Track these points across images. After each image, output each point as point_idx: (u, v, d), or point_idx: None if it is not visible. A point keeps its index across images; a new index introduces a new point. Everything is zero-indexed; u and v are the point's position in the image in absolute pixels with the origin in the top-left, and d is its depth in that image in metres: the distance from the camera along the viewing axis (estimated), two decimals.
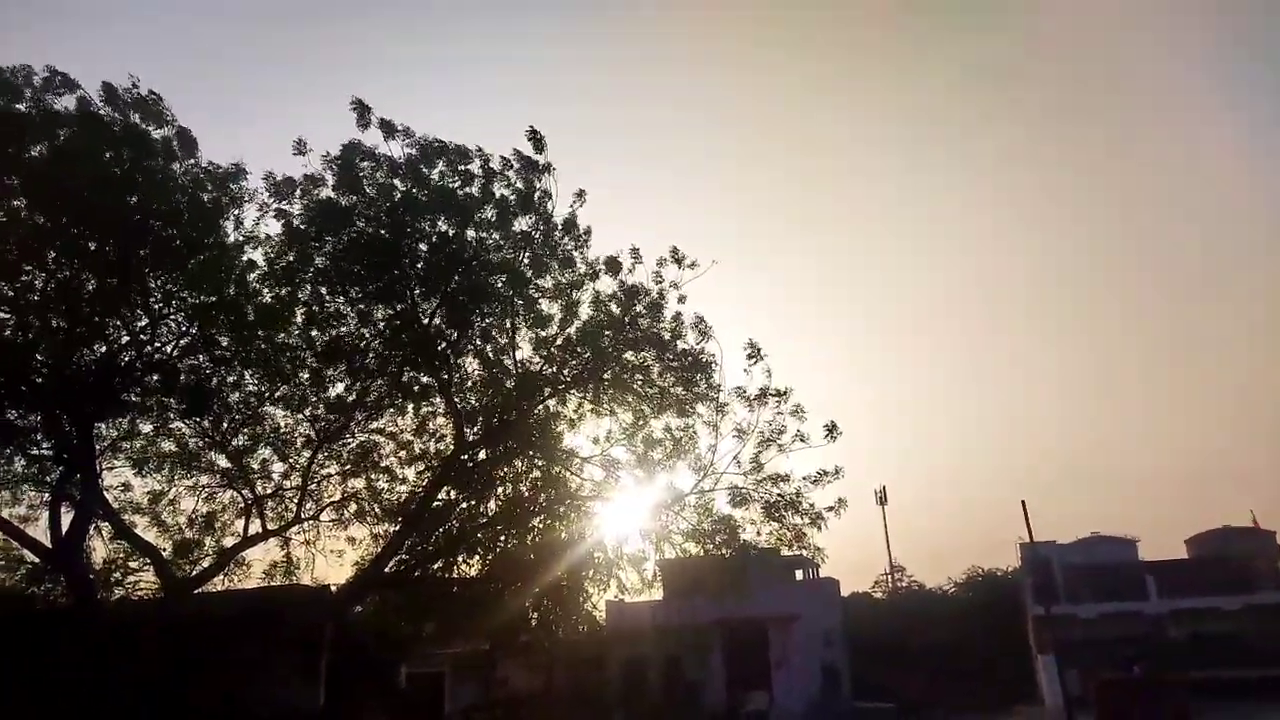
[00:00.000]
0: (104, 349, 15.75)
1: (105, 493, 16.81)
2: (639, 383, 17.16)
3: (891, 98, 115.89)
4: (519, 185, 16.44)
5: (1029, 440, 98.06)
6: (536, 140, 16.19)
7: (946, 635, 41.28)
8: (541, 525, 18.21)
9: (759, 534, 16.43)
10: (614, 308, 16.92)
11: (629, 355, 17.10)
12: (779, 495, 16.19)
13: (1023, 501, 34.34)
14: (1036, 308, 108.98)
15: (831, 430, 15.74)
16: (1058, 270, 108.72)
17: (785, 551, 17.31)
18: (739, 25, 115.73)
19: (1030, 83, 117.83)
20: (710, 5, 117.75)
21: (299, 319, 16.24)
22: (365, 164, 15.57)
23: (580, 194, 16.79)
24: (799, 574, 38.55)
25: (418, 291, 16.37)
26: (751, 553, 17.10)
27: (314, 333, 16.39)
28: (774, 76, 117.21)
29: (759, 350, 16.22)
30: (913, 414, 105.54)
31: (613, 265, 16.78)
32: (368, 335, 16.66)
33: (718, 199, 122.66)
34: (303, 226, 15.52)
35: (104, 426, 16.77)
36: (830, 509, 16.03)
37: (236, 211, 16.05)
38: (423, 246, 16.00)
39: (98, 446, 16.53)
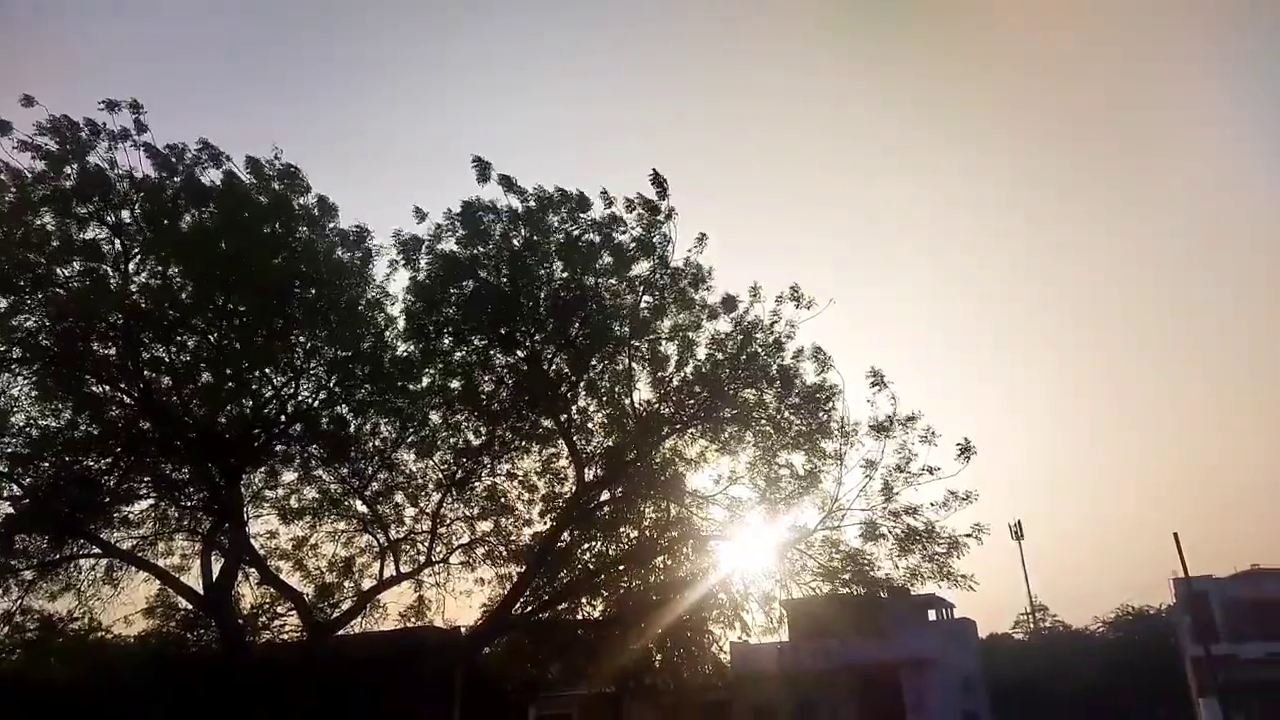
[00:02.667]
0: (250, 403, 16.70)
1: (252, 540, 17.61)
2: (759, 420, 16.92)
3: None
4: (638, 230, 16.56)
5: (1179, 467, 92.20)
6: (660, 184, 16.22)
7: (1096, 679, 38.85)
8: (664, 566, 18.12)
9: (895, 568, 15.77)
10: (731, 346, 16.80)
11: (748, 393, 16.91)
12: (910, 527, 15.58)
13: (1175, 534, 32.42)
14: (1185, 322, 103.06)
15: (966, 450, 14.87)
16: (1204, 283, 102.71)
17: (924, 588, 16.46)
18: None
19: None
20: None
21: (431, 370, 16.92)
22: (486, 217, 16.16)
23: (702, 237, 16.68)
24: (931, 614, 37.00)
25: (538, 338, 16.76)
26: (881, 593, 16.45)
27: (443, 381, 16.99)
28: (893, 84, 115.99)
29: (882, 378, 15.61)
30: (1047, 442, 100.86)
31: (729, 304, 16.69)
32: (492, 382, 17.12)
33: (837, 215, 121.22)
34: (429, 280, 16.22)
35: (251, 476, 17.67)
36: (968, 535, 15.30)
37: (368, 270, 17.01)
38: (542, 294, 16.41)
39: (245, 495, 17.41)
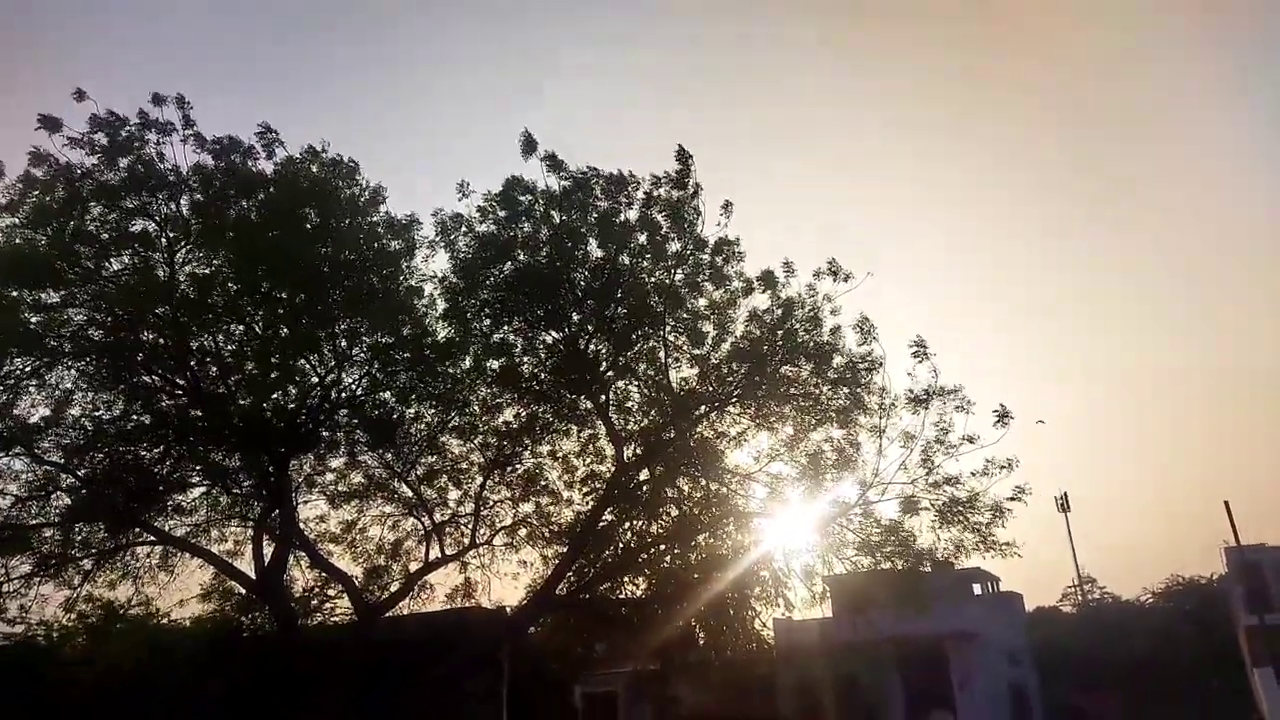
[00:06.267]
0: (295, 391, 16.97)
1: (302, 525, 17.96)
2: (798, 396, 16.88)
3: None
4: (669, 207, 16.56)
5: (1229, 435, 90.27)
6: (684, 159, 16.27)
7: (1146, 650, 38.29)
8: (705, 544, 18.17)
9: (937, 539, 15.65)
10: (769, 321, 16.75)
11: (786, 369, 16.87)
12: (952, 497, 15.45)
13: (1226, 502, 31.77)
14: (1231, 289, 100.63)
15: (1003, 416, 14.62)
16: (1249, 248, 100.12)
17: (968, 562, 16.31)
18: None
19: None
20: None
21: (472, 351, 17.14)
22: (525, 197, 16.26)
23: (727, 205, 16.65)
24: (976, 588, 36.78)
25: (577, 317, 16.86)
26: (924, 566, 16.33)
27: (485, 363, 17.20)
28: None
29: (924, 348, 15.35)
30: (1093, 412, 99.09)
31: (766, 280, 16.63)
32: (532, 363, 17.29)
33: (880, 186, 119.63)
34: (468, 262, 16.39)
35: (300, 462, 17.99)
36: (1011, 498, 15.08)
37: (409, 260, 17.20)
38: (580, 274, 16.49)
39: (294, 481, 17.73)
